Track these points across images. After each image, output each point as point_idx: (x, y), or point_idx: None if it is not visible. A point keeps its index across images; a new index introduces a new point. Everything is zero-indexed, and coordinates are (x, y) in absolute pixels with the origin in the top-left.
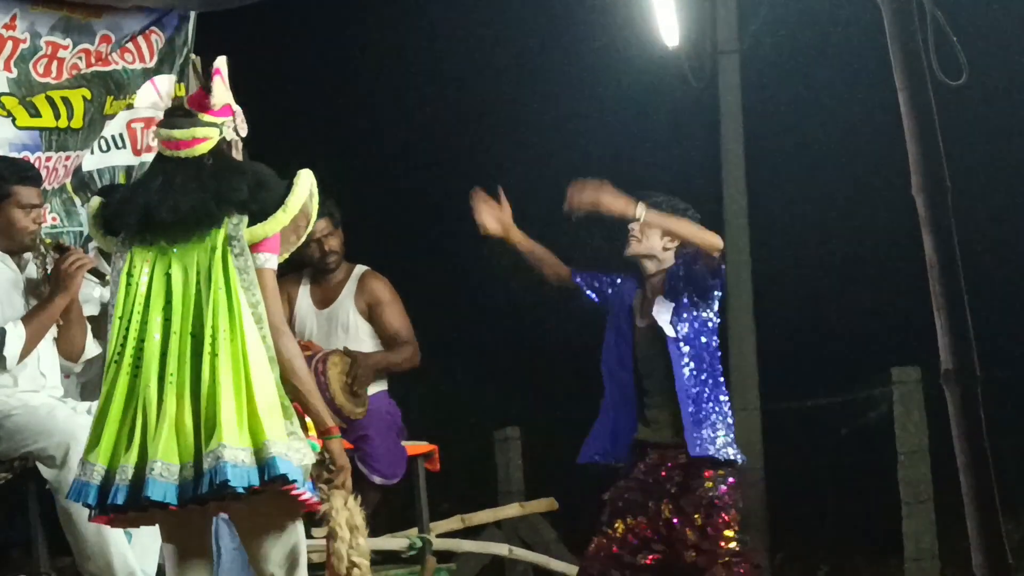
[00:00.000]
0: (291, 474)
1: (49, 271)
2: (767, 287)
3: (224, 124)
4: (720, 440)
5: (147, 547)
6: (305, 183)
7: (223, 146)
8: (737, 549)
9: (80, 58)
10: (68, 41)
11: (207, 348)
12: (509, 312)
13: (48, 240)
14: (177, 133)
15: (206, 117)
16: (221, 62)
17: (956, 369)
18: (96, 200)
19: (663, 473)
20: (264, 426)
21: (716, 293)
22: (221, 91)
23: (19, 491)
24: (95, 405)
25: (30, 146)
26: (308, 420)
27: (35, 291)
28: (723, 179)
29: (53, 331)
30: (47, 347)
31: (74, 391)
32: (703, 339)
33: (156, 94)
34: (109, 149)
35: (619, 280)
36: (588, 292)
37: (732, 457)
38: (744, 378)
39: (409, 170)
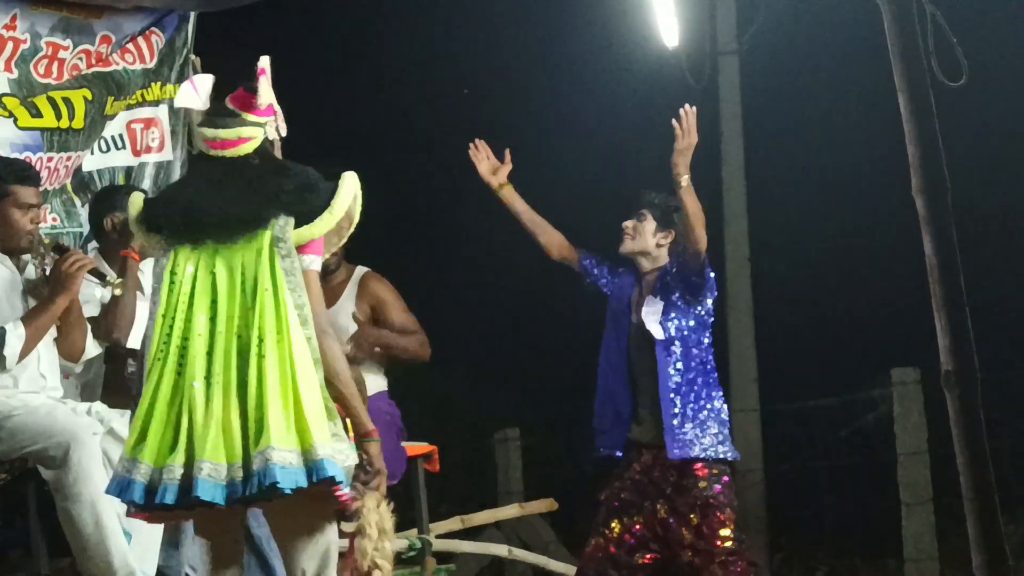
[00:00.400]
0: (338, 476)
1: (48, 272)
2: (767, 287)
3: (267, 124)
4: (708, 439)
5: (147, 547)
6: (350, 185)
7: (267, 146)
8: (733, 548)
9: (81, 59)
10: (68, 42)
11: (254, 350)
12: (508, 313)
13: (48, 240)
14: (223, 133)
15: (251, 117)
16: (265, 62)
17: (956, 370)
18: (138, 197)
19: (657, 473)
20: (311, 428)
21: (708, 290)
22: (266, 90)
23: (19, 491)
24: (95, 405)
25: (31, 146)
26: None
27: (34, 292)
28: (723, 179)
29: (53, 332)
30: (47, 348)
31: (74, 392)
32: (694, 336)
33: (195, 94)
34: (109, 149)
35: (620, 270)
36: (591, 276)
37: (723, 456)
38: (743, 378)
39: (409, 170)
